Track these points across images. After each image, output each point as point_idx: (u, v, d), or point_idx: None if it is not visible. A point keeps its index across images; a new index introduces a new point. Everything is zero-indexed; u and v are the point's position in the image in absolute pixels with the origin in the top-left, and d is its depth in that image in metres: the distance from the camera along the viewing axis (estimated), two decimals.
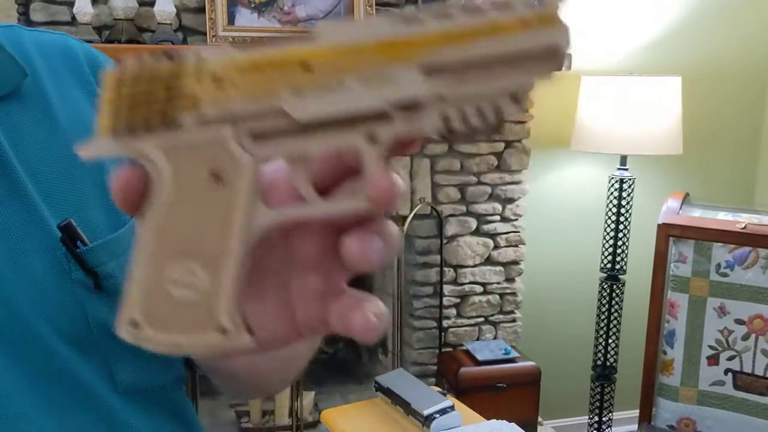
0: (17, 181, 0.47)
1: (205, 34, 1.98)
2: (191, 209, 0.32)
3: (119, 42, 1.89)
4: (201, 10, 1.99)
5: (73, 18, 1.90)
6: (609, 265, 2.46)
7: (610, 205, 2.43)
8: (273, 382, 0.59)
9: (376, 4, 2.13)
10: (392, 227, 0.34)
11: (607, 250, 2.46)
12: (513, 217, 2.43)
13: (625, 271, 2.46)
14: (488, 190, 2.38)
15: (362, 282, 2.65)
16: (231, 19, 1.99)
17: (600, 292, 2.48)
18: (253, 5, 2.02)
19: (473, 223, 2.39)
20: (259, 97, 0.31)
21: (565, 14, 0.31)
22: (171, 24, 1.94)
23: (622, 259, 2.45)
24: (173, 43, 1.92)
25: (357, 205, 0.32)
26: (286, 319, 0.37)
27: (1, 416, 0.42)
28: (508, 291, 2.47)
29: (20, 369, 0.44)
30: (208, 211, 0.32)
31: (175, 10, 1.92)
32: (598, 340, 2.51)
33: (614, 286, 2.46)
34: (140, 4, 1.92)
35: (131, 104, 0.31)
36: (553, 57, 0.30)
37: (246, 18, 2.01)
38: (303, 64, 0.30)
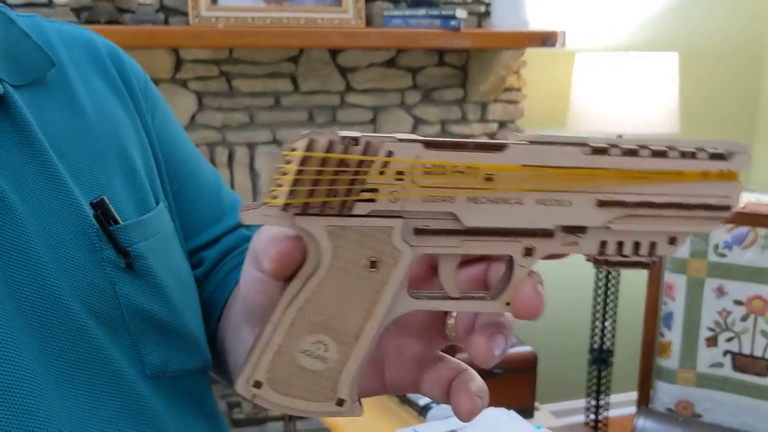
0: (48, 161, 0.47)
1: (187, 14, 1.91)
2: (340, 289, 0.34)
3: (98, 23, 1.82)
4: None
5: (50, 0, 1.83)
6: None
7: None
8: None
9: None
10: (511, 322, 0.36)
11: None
12: None
13: None
14: None
15: None
16: None
17: (596, 274, 2.45)
18: None
19: None
20: (433, 200, 0.32)
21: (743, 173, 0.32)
22: (152, 4, 1.87)
23: None
24: (154, 24, 1.85)
25: (497, 309, 0.35)
26: (377, 376, 0.40)
27: (25, 394, 0.41)
28: None
29: (50, 347, 0.44)
30: (356, 293, 0.34)
31: None
32: (594, 323, 2.48)
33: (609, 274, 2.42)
34: None
35: (313, 186, 0.32)
36: (722, 211, 0.33)
37: None
38: (487, 177, 0.32)
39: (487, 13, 2.23)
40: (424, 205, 0.32)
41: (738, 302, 2.11)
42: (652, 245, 0.34)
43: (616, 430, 2.62)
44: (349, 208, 0.32)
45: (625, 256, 0.34)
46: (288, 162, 0.32)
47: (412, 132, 2.22)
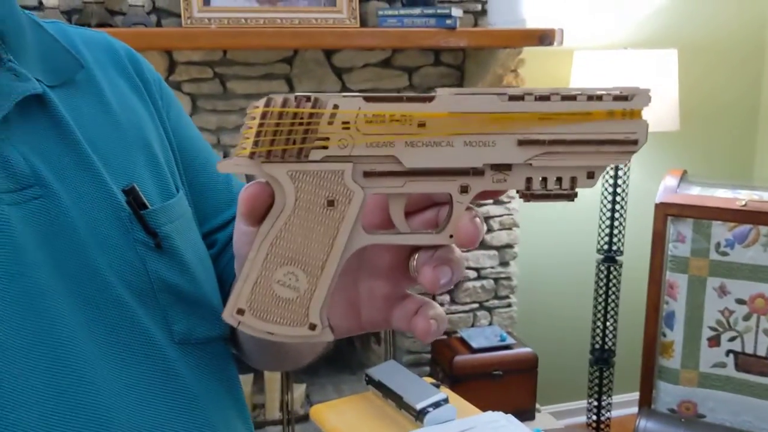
0: (83, 153, 0.54)
1: (180, 15, 1.89)
2: (304, 225, 0.40)
3: (89, 26, 1.80)
4: None
5: (40, 2, 1.81)
6: (606, 247, 2.39)
7: (606, 185, 2.36)
8: (309, 356, 0.66)
9: None
10: (459, 255, 0.42)
11: (603, 231, 2.40)
12: (506, 200, 2.36)
13: (622, 252, 2.39)
14: None
15: None
16: (207, 0, 1.90)
17: (597, 274, 2.42)
18: None
19: None
20: (378, 144, 0.38)
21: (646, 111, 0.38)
22: (143, 6, 1.85)
23: (619, 240, 2.38)
24: (146, 26, 1.83)
25: (442, 241, 0.41)
26: (353, 315, 0.47)
27: (69, 354, 0.47)
28: (502, 275, 2.40)
29: (91, 315, 0.50)
30: (318, 229, 0.40)
31: None
32: (596, 324, 2.45)
33: (611, 268, 2.40)
34: None
35: (274, 136, 0.38)
36: (631, 146, 0.38)
37: None
38: (420, 122, 0.38)
39: (484, 12, 2.21)
40: (369, 150, 0.38)
41: (740, 301, 2.09)
42: (573, 179, 0.39)
43: (618, 431, 2.60)
44: (305, 155, 0.38)
45: (549, 190, 0.40)
46: (253, 118, 0.38)
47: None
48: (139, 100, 0.62)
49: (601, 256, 2.41)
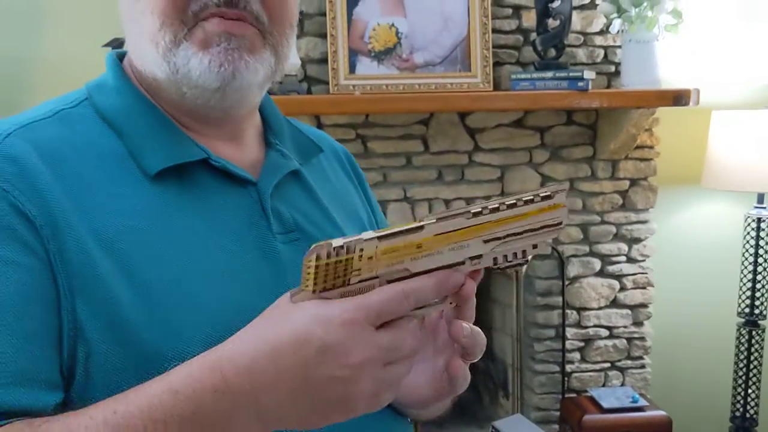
0: (326, 211, 0.78)
1: (328, 83, 2.07)
2: None
3: None
4: (324, 60, 2.09)
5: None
6: (747, 310, 2.30)
7: (747, 246, 2.29)
8: (438, 409, 0.83)
9: (494, 47, 2.15)
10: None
11: (744, 293, 2.31)
12: (640, 258, 2.34)
13: (765, 317, 2.30)
14: (613, 229, 2.31)
15: (481, 323, 2.63)
16: (352, 68, 2.08)
17: (738, 338, 2.33)
18: (372, 54, 2.09)
19: (597, 263, 2.32)
20: (393, 263, 0.55)
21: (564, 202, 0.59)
22: (296, 75, 2.05)
23: (762, 303, 2.29)
24: (298, 93, 2.02)
25: (445, 306, 0.61)
26: (437, 384, 0.69)
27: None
28: (636, 335, 2.37)
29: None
30: None
31: (300, 62, 2.03)
32: (736, 390, 2.35)
33: (753, 332, 2.30)
34: None
35: (326, 276, 0.53)
36: (558, 228, 0.58)
37: (366, 66, 2.09)
38: (417, 245, 0.55)
39: (617, 72, 2.24)
40: (388, 268, 0.55)
41: None
42: (524, 252, 0.58)
43: None
44: (348, 282, 0.54)
45: (510, 262, 0.58)
46: (309, 267, 0.53)
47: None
48: (349, 182, 0.88)
49: (742, 320, 2.32)
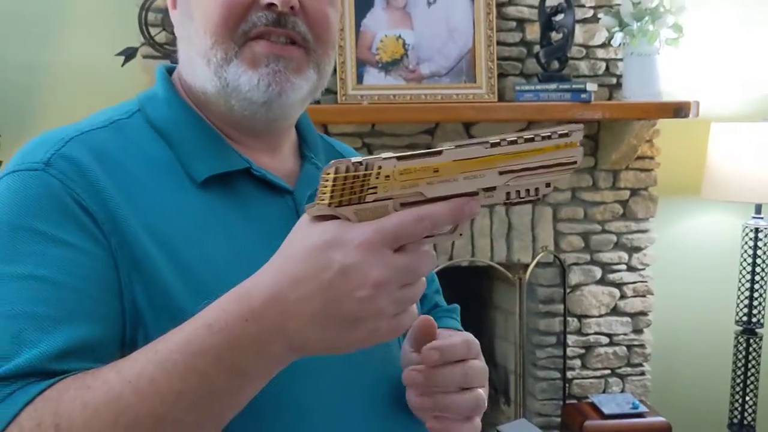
0: None
1: (336, 92, 2.11)
2: None
3: None
4: (332, 70, 2.12)
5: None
6: (745, 318, 2.35)
7: (745, 255, 2.33)
8: None
9: (498, 59, 2.19)
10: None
11: (742, 302, 2.36)
12: (640, 267, 2.38)
13: (762, 325, 2.34)
14: (613, 238, 2.35)
15: (484, 330, 2.67)
16: (360, 79, 2.12)
17: (736, 346, 2.37)
18: (380, 65, 2.14)
19: (598, 272, 2.36)
20: (408, 185, 0.56)
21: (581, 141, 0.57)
22: None
23: (759, 312, 2.33)
24: None
25: (454, 237, 0.61)
26: None
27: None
28: (636, 343, 2.41)
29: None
30: None
31: None
32: (734, 396, 2.39)
33: (751, 340, 2.34)
34: None
35: (342, 190, 0.55)
36: (572, 166, 0.57)
37: (374, 77, 2.13)
38: (434, 169, 0.56)
39: (618, 85, 2.29)
40: (403, 190, 0.56)
41: None
42: (536, 189, 0.58)
43: None
44: (363, 200, 0.55)
45: (522, 198, 0.58)
46: (326, 180, 0.55)
47: (540, 201, 2.30)
48: None
49: (740, 328, 2.36)
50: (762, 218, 2.30)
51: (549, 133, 0.55)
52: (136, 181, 0.70)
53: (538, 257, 2.29)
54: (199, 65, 0.75)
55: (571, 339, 2.36)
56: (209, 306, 0.59)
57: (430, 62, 2.16)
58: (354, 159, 0.55)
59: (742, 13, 2.45)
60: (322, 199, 0.55)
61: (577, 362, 2.39)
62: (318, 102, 2.13)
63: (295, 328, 0.56)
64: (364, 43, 2.12)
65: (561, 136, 0.56)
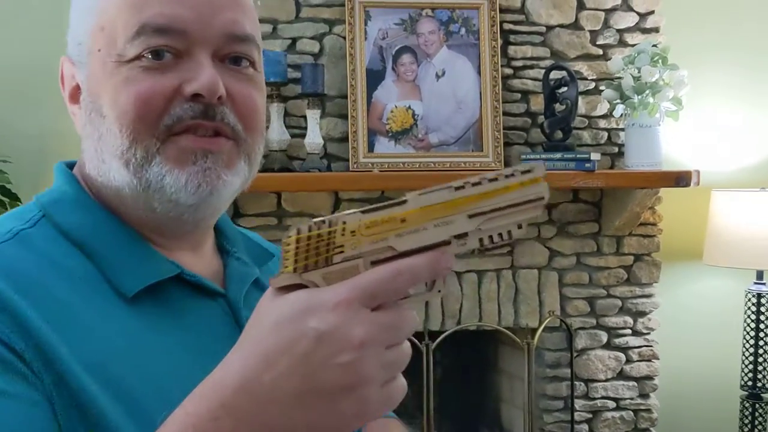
0: None
1: (348, 160, 2.18)
2: None
3: (273, 170, 2.11)
4: (344, 139, 2.20)
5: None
6: (750, 383, 2.37)
7: (748, 320, 2.37)
8: None
9: (504, 129, 2.27)
10: None
11: (747, 367, 2.38)
12: (645, 331, 2.41)
13: (767, 390, 2.35)
14: (618, 303, 2.39)
15: (489, 395, 2.67)
16: (371, 147, 2.19)
17: (741, 411, 2.38)
18: (390, 134, 2.21)
19: (604, 336, 2.39)
20: (377, 240, 0.52)
21: (544, 176, 0.54)
22: (318, 153, 2.16)
23: (764, 377, 2.35)
24: (320, 170, 2.12)
25: (432, 296, 0.56)
26: None
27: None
28: (642, 407, 2.42)
29: None
30: None
31: (322, 141, 2.14)
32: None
33: (756, 405, 2.36)
34: (292, 137, 2.16)
35: (306, 253, 0.52)
36: (540, 202, 0.54)
37: (384, 145, 2.20)
38: (401, 219, 0.53)
39: (620, 153, 2.36)
40: (372, 245, 0.52)
41: None
42: (509, 232, 0.55)
43: None
44: (330, 261, 0.52)
45: (495, 243, 0.55)
46: (288, 245, 0.52)
47: (548, 264, 2.34)
48: None
49: (746, 393, 2.38)
50: (764, 284, 2.34)
51: (511, 172, 0.54)
52: (59, 303, 0.61)
53: (546, 322, 2.32)
54: (115, 167, 0.66)
55: (578, 403, 2.37)
56: (175, 412, 0.52)
57: (439, 132, 2.24)
58: (315, 219, 0.52)
59: (741, 84, 2.54)
60: (286, 266, 0.52)
61: (585, 427, 2.39)
62: (329, 169, 2.20)
63: (275, 414, 0.49)
64: (375, 114, 2.20)
65: (523, 173, 0.54)
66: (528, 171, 0.54)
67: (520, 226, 0.55)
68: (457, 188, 0.53)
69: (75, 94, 0.70)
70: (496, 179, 0.54)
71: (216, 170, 0.66)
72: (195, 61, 0.65)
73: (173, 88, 0.65)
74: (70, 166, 0.73)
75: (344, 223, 0.52)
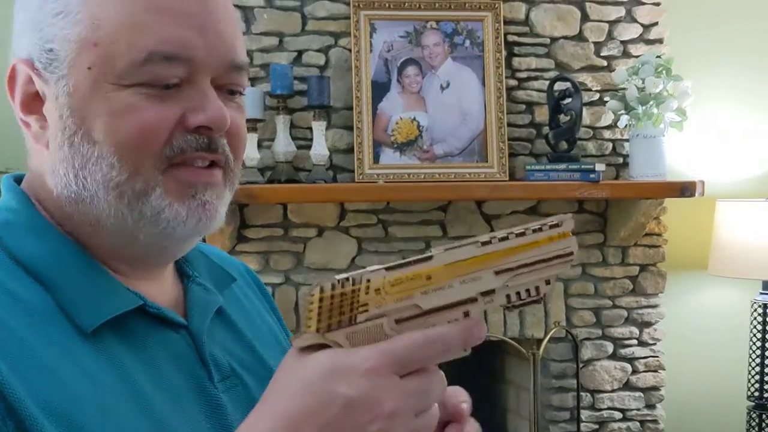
0: (257, 352, 0.73)
1: (353, 171, 2.19)
2: None
3: (279, 182, 2.13)
4: (350, 150, 2.22)
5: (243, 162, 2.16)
6: (756, 393, 2.36)
7: (754, 330, 2.36)
8: None
9: (509, 140, 2.28)
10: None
11: (753, 377, 2.37)
12: (651, 342, 2.40)
13: None
14: (624, 313, 2.39)
15: (496, 405, 2.67)
16: (376, 158, 2.20)
17: (748, 421, 2.37)
18: (395, 145, 2.22)
19: (610, 347, 2.39)
20: (402, 298, 0.51)
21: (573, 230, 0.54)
22: (324, 164, 2.17)
23: None
24: (325, 182, 2.14)
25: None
26: None
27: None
28: (648, 418, 2.41)
29: None
30: None
31: (328, 152, 2.16)
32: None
33: (763, 416, 2.35)
34: (298, 148, 2.17)
35: (330, 312, 0.51)
36: (569, 258, 0.54)
37: (389, 157, 2.21)
38: (427, 276, 0.52)
39: (625, 164, 2.37)
40: (397, 304, 0.52)
41: None
42: (537, 288, 0.54)
43: None
44: (354, 320, 0.51)
45: (523, 300, 0.54)
46: (311, 303, 0.51)
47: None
48: (261, 305, 0.82)
49: (752, 403, 2.37)
50: None
51: (539, 226, 0.53)
52: (15, 339, 0.56)
53: (551, 332, 2.32)
54: (103, 196, 0.61)
55: (584, 414, 2.37)
56: None
57: (444, 143, 2.25)
58: (339, 276, 0.51)
59: (746, 94, 2.55)
60: (309, 326, 0.51)
61: None
62: (335, 178, 2.22)
63: None
64: (381, 125, 2.22)
65: (552, 227, 0.53)
66: (556, 225, 0.53)
67: (548, 282, 0.54)
68: (484, 243, 0.52)
69: (32, 104, 0.62)
70: (523, 233, 0.53)
71: (213, 203, 0.64)
72: (197, 89, 0.61)
73: (176, 118, 0.61)
74: (18, 179, 0.67)
75: (368, 281, 0.51)
